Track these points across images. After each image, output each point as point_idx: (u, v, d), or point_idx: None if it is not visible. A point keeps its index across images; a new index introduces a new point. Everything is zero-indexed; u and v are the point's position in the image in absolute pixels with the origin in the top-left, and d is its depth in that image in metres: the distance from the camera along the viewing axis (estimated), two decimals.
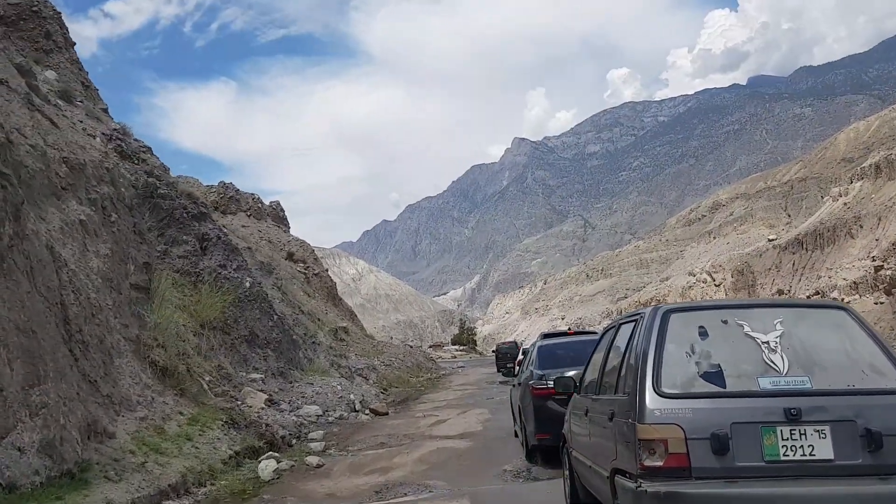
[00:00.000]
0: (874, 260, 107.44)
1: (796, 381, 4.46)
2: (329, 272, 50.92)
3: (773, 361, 4.55)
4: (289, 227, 50.12)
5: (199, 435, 11.25)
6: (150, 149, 20.25)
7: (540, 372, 11.09)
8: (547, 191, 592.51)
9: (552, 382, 8.59)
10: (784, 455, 4.26)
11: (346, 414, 18.45)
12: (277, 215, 49.53)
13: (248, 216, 42.64)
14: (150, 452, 9.50)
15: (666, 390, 4.49)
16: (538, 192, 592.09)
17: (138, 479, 8.56)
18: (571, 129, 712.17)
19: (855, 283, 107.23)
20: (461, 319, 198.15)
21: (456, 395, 26.33)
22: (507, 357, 46.75)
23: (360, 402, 20.36)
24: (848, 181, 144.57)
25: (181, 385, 12.59)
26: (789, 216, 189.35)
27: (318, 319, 30.90)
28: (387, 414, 19.56)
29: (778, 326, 4.72)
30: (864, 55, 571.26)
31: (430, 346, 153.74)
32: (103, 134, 17.36)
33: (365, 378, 27.17)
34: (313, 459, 11.36)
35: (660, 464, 4.31)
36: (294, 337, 22.46)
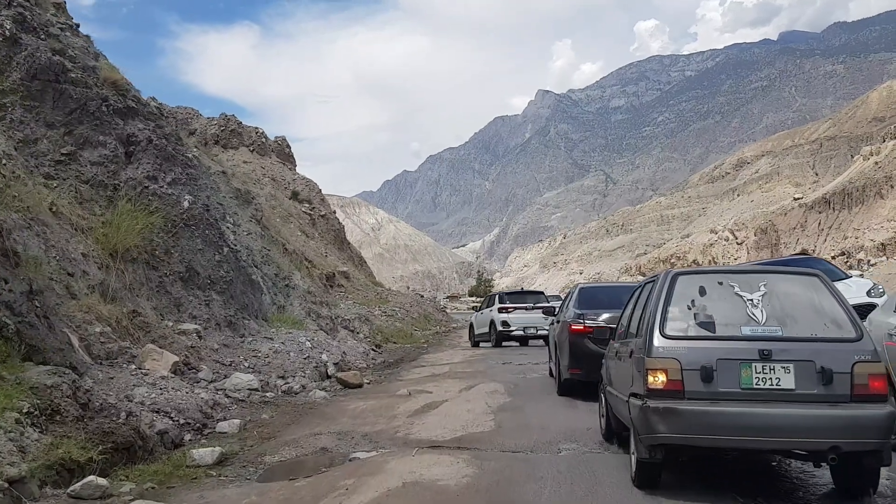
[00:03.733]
0: None
1: (771, 329, 5.77)
2: (337, 214, 49.06)
3: (754, 314, 5.86)
4: (295, 165, 46.83)
5: None
6: (72, 26, 15.90)
7: (579, 311, 12.17)
8: (569, 144, 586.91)
9: (590, 322, 10.99)
10: (756, 384, 5.58)
11: (301, 386, 13.20)
12: (283, 151, 46.45)
13: (251, 151, 40.23)
14: None
15: (669, 333, 5.89)
16: (560, 146, 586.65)
17: None
18: (596, 82, 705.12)
19: (882, 244, 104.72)
20: (479, 271, 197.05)
21: (463, 358, 20.96)
22: None
23: (337, 363, 15.76)
24: (880, 140, 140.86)
25: None
26: (817, 175, 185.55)
27: (308, 260, 26.88)
28: (360, 386, 14.04)
29: (762, 288, 6.01)
30: None
31: (447, 297, 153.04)
32: None
33: (353, 331, 22.54)
34: None
35: (661, 387, 5.69)
36: (254, 277, 17.19)
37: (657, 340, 5.86)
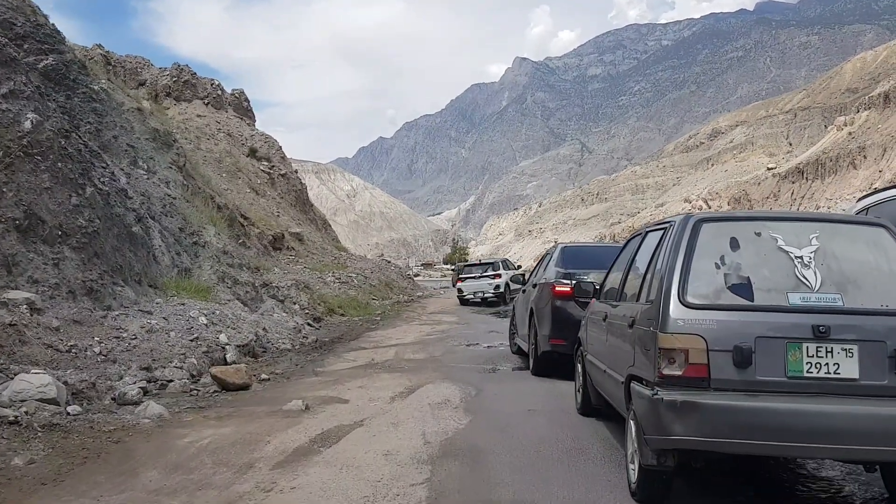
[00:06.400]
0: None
1: (828, 297, 4.41)
2: (312, 180, 47.58)
3: (805, 277, 4.49)
4: (254, 120, 44.97)
5: None
6: None
7: (564, 270, 10.29)
8: (546, 113, 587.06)
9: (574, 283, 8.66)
10: (808, 372, 4.26)
11: (156, 385, 9.04)
12: (241, 105, 44.38)
13: (206, 105, 38.33)
14: None
15: (691, 300, 4.46)
16: (537, 114, 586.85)
17: None
18: (574, 49, 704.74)
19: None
20: (454, 239, 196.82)
21: (417, 336, 16.87)
22: None
23: (245, 345, 11.90)
24: (854, 110, 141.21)
25: None
26: (790, 145, 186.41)
27: (244, 217, 24.07)
28: (245, 388, 9.51)
29: (813, 241, 4.64)
30: None
31: (422, 265, 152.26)
32: None
33: (283, 301, 18.44)
34: None
35: (679, 373, 4.36)
36: (135, 229, 12.73)
37: (675, 310, 4.43)
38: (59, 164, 10.92)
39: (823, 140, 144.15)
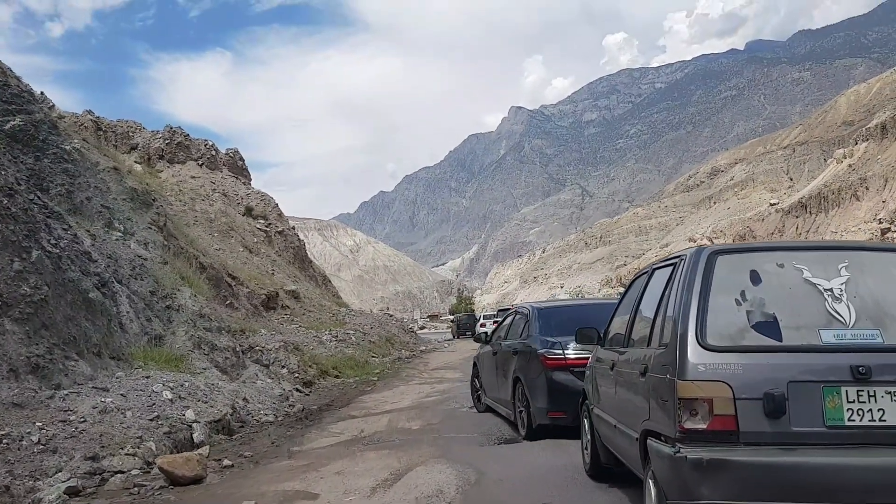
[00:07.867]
0: (881, 222, 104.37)
1: (865, 334, 3.89)
2: (315, 237, 47.15)
3: (837, 312, 3.96)
4: (249, 179, 45.14)
5: None
6: None
7: (551, 339, 9.39)
8: (544, 159, 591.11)
9: (568, 351, 8.67)
10: (849, 420, 3.71)
11: (57, 496, 6.87)
12: (235, 165, 44.36)
13: (200, 166, 38.15)
14: None
15: (712, 343, 3.91)
16: (535, 161, 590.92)
17: None
18: (568, 96, 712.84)
19: None
20: (459, 289, 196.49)
21: (415, 399, 15.10)
22: (465, 327, 52.82)
23: (218, 420, 10.52)
24: (853, 142, 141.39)
25: None
26: (791, 180, 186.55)
27: (232, 277, 22.73)
28: (198, 481, 7.76)
29: (843, 272, 4.11)
30: (863, 18, 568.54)
31: (428, 317, 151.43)
32: None
33: (269, 366, 16.91)
34: None
35: (703, 427, 3.78)
36: (92, 295, 11.18)
37: (694, 354, 3.90)
38: (2, 226, 9.75)
39: (824, 173, 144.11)
